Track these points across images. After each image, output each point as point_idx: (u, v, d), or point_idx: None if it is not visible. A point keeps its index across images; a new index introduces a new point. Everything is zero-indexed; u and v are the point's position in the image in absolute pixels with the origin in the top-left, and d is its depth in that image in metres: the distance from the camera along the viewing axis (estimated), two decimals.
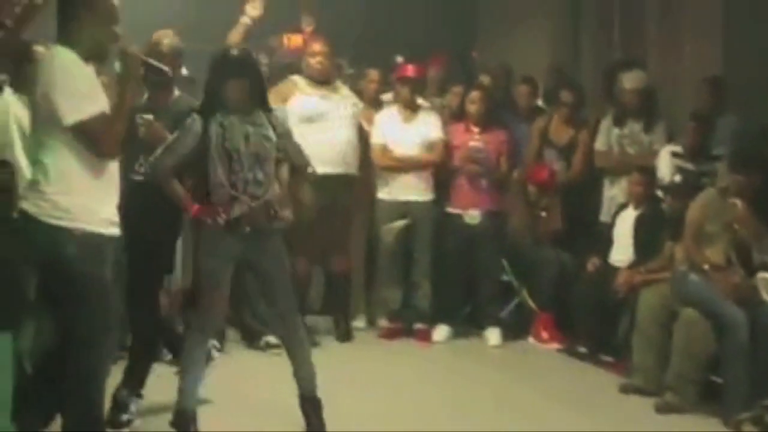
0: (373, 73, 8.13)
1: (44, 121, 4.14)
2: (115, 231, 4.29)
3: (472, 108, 7.68)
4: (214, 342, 6.88)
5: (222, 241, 5.06)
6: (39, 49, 5.11)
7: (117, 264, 4.51)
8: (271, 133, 5.19)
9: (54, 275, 4.22)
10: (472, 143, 7.64)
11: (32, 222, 4.14)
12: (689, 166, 7.32)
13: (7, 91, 5.30)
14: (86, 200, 4.16)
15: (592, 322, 7.30)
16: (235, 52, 5.56)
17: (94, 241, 4.16)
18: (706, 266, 6.21)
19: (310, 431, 5.28)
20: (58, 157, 4.12)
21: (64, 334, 4.30)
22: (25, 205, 4.18)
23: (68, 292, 4.18)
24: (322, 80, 7.38)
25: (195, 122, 5.04)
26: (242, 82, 5.12)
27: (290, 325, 5.31)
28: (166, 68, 4.86)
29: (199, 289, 5.26)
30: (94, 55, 4.25)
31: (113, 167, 4.32)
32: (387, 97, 8.13)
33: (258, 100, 5.23)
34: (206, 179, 5.04)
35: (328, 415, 5.54)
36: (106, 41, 4.26)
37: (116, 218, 4.31)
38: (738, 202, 6.17)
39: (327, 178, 7.13)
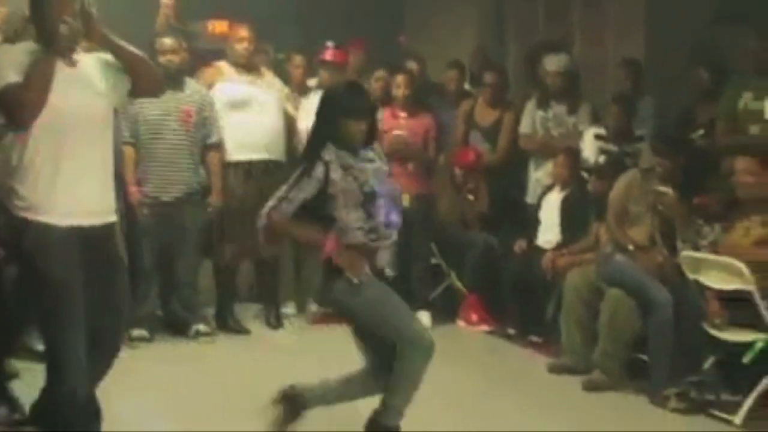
0: (298, 59, 8.09)
1: None
2: (80, 222, 4.16)
3: (398, 93, 7.69)
4: (143, 331, 6.89)
5: None
6: None
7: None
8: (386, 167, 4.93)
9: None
10: (396, 132, 7.64)
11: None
12: (612, 147, 7.42)
13: None
14: (45, 190, 4.09)
15: (520, 303, 7.38)
16: (355, 86, 5.12)
17: (44, 233, 4.10)
18: (630, 246, 6.31)
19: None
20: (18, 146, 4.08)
21: None
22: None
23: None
24: (248, 66, 7.34)
25: (317, 168, 4.62)
26: (363, 123, 4.73)
27: None
28: None
29: None
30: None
31: (91, 156, 4.21)
32: (313, 82, 8.10)
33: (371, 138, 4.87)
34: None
35: (255, 399, 5.56)
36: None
37: (88, 208, 4.20)
38: (669, 191, 6.26)
39: (254, 165, 7.11)
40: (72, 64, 4.16)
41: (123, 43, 4.20)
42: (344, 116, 4.66)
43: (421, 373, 4.79)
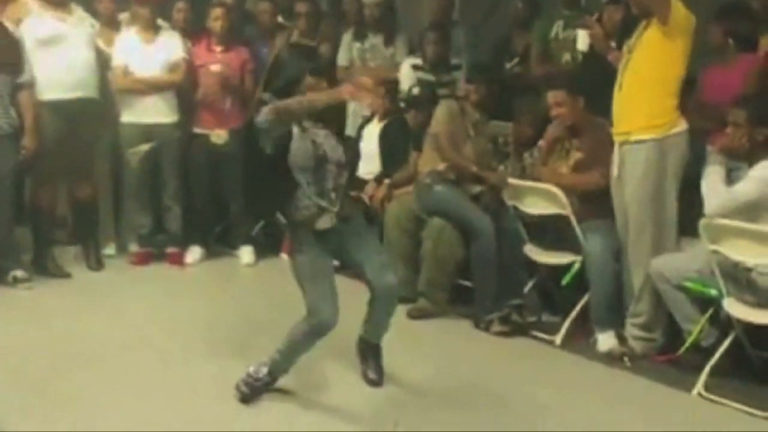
0: None
1: None
2: None
3: (215, 26, 7.55)
4: None
5: None
6: None
7: None
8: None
9: None
10: (213, 67, 7.52)
11: None
12: (430, 77, 7.50)
13: None
14: None
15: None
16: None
17: None
18: (474, 168, 6.40)
19: (368, 375, 5.23)
20: None
21: None
22: None
23: None
24: (56, 1, 7.04)
25: None
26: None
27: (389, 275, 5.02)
28: None
29: None
30: None
31: None
32: (124, 16, 7.85)
33: None
34: None
35: (82, 344, 5.49)
36: None
37: None
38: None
39: (67, 104, 6.89)
40: None
41: None
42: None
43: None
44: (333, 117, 5.12)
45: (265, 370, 4.94)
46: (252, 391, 4.93)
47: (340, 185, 4.91)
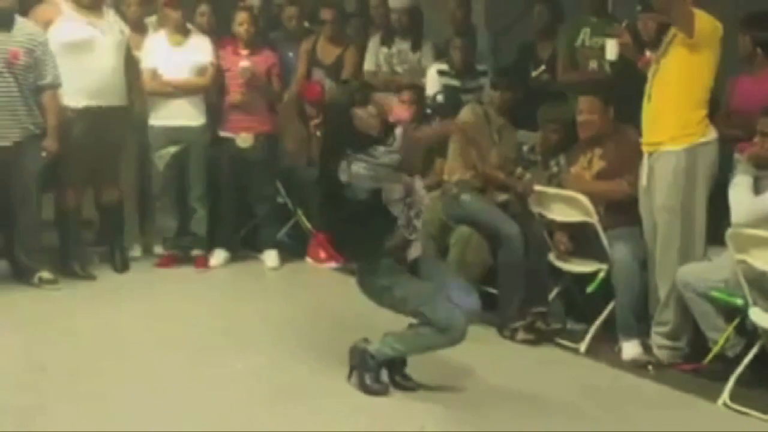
0: None
1: None
2: None
3: (240, 30, 7.58)
4: None
5: None
6: None
7: None
8: None
9: None
10: (241, 63, 7.54)
11: None
12: (456, 83, 7.51)
13: None
14: None
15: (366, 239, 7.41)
16: None
17: None
18: (478, 183, 6.41)
19: (396, 380, 5.25)
20: None
21: None
22: None
23: None
24: (89, 5, 7.05)
25: None
26: None
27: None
28: None
29: None
30: None
31: None
32: (151, 20, 7.90)
33: None
34: None
35: (107, 344, 5.53)
36: None
37: None
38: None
39: (93, 111, 6.93)
40: None
41: None
42: None
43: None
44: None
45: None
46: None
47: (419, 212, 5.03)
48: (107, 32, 7.07)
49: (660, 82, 5.52)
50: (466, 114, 6.64)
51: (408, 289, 4.97)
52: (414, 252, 5.01)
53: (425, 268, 5.11)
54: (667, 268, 5.55)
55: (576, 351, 5.93)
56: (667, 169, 5.49)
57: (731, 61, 5.77)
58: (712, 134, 5.51)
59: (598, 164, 6.06)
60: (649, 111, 5.60)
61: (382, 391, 5.09)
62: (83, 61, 6.90)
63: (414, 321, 5.01)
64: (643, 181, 5.65)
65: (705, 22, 5.31)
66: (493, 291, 6.33)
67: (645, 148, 5.63)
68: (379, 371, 5.10)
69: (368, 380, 5.08)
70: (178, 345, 5.82)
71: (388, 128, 5.03)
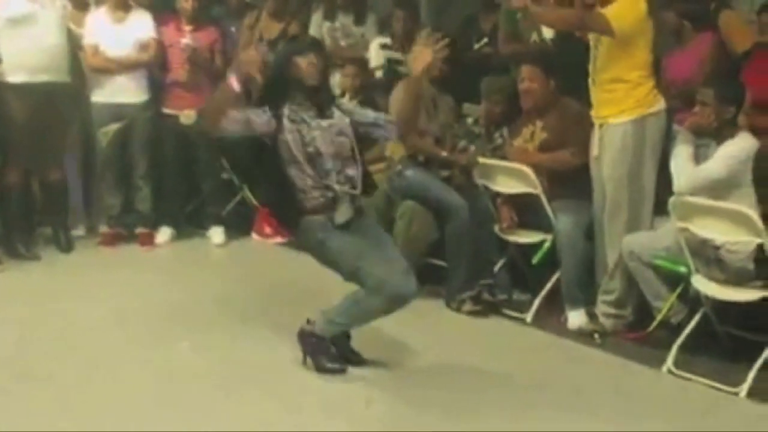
0: None
1: None
2: None
3: (184, 6, 7.50)
4: None
5: None
6: None
7: None
8: None
9: None
10: (184, 41, 7.48)
11: None
12: (399, 56, 7.50)
13: None
14: None
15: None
16: None
17: None
18: (421, 158, 6.41)
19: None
20: None
21: None
22: None
23: None
24: None
25: None
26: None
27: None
28: None
29: None
30: None
31: None
32: None
33: None
34: None
35: (53, 325, 5.48)
36: None
37: None
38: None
39: (35, 87, 6.83)
40: None
41: None
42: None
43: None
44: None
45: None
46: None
47: (349, 177, 4.99)
48: (48, 7, 6.96)
49: (599, 70, 5.61)
50: (396, 93, 6.58)
51: (343, 242, 4.92)
52: (341, 216, 4.97)
53: (363, 230, 5.06)
54: (615, 238, 5.61)
55: (522, 321, 5.99)
56: (615, 139, 5.56)
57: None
58: (660, 104, 5.59)
59: (541, 136, 6.10)
60: (595, 92, 5.69)
61: (341, 370, 5.04)
62: (24, 37, 6.78)
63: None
64: (594, 151, 5.72)
65: (621, 18, 5.37)
66: (440, 263, 6.36)
67: (595, 120, 5.69)
68: (329, 350, 5.07)
69: (325, 362, 5.03)
70: (124, 325, 5.78)
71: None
